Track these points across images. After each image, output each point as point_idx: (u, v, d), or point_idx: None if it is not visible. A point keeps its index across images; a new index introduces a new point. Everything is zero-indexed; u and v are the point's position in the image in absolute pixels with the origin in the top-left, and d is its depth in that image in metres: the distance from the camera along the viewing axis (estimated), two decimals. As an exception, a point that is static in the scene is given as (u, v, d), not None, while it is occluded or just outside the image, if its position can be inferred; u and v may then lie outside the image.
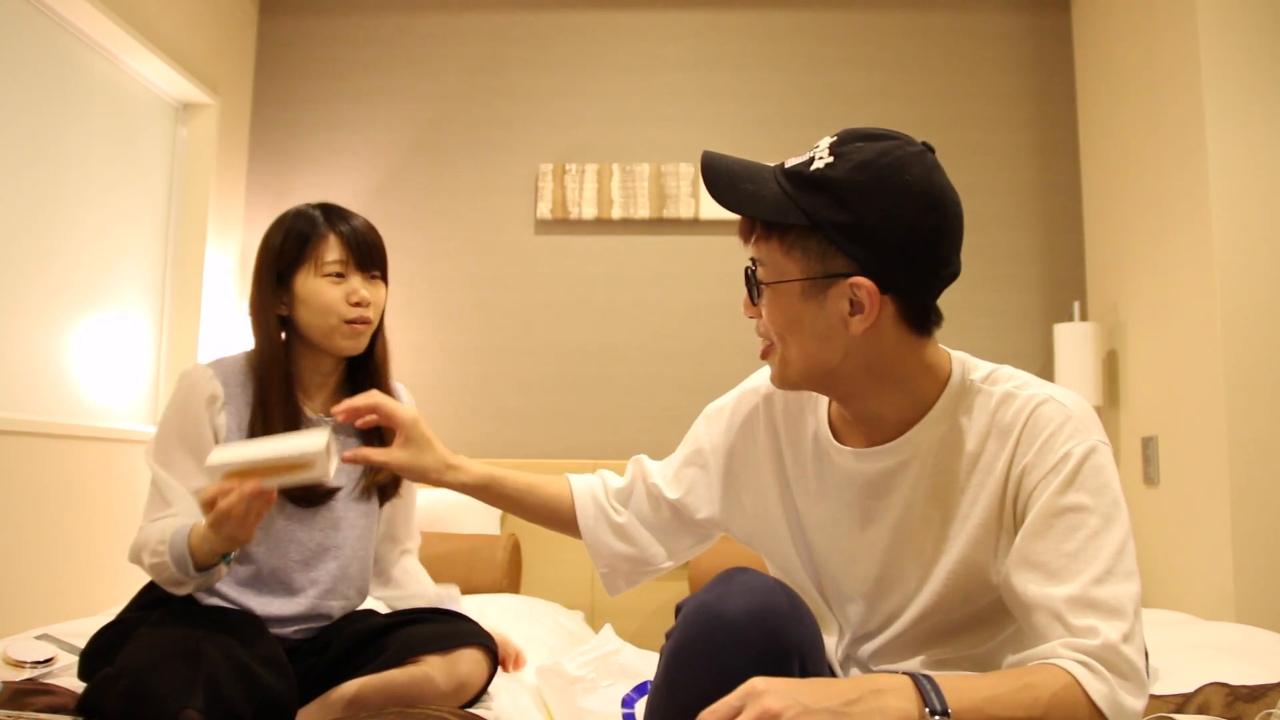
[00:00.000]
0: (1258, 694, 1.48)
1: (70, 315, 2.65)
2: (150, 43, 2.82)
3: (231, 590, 1.49)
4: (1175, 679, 1.68)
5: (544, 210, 3.34)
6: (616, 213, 3.32)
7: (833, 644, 1.14)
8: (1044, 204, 3.33)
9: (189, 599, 1.47)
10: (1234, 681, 1.54)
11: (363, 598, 1.65)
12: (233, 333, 3.24)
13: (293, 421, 1.51)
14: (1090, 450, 0.97)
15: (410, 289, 3.35)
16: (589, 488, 1.29)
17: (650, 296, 3.31)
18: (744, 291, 1.06)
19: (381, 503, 1.64)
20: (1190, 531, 2.60)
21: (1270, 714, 1.39)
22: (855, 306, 0.99)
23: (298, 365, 1.57)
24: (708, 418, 1.28)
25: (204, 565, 1.35)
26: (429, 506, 2.99)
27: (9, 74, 2.42)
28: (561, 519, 1.28)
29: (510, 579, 2.90)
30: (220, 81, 3.24)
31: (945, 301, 1.04)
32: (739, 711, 0.81)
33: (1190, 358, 2.61)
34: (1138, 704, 0.88)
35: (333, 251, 1.52)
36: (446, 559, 2.81)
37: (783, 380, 1.07)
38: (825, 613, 1.15)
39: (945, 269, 1.01)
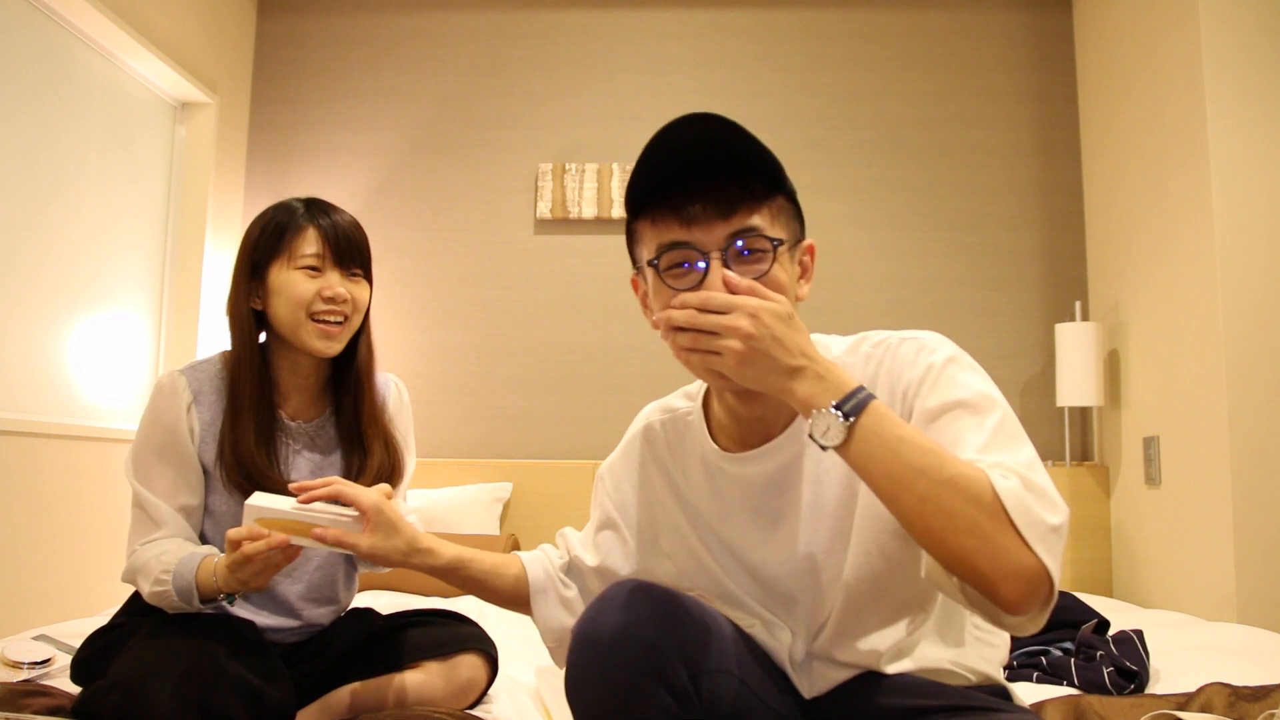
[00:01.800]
0: (1260, 694, 1.47)
1: (68, 315, 2.64)
2: (149, 42, 2.81)
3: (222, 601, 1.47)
4: (1177, 679, 1.67)
5: (544, 210, 3.34)
6: (616, 212, 3.32)
7: (785, 648, 1.12)
8: (1045, 203, 3.32)
9: None
10: (1236, 682, 1.53)
11: (350, 599, 1.62)
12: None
13: (267, 426, 1.45)
14: (949, 359, 0.98)
15: (410, 289, 3.35)
16: (540, 564, 1.28)
17: (650, 296, 3.30)
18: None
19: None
20: (1192, 532, 2.60)
21: (1272, 714, 1.38)
22: (803, 271, 1.05)
23: (275, 366, 1.50)
24: (601, 477, 1.28)
25: (208, 599, 1.33)
26: (428, 506, 2.98)
27: (8, 74, 2.42)
28: (522, 600, 1.27)
29: (510, 579, 2.89)
30: (219, 81, 3.24)
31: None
32: (725, 312, 0.88)
33: (1192, 358, 2.60)
34: (1052, 518, 0.84)
35: (310, 245, 1.44)
36: (446, 559, 2.80)
37: None
38: (771, 620, 1.12)
39: None
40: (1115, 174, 3.09)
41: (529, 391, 3.30)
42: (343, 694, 1.45)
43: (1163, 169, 2.77)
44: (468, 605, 2.38)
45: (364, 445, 1.50)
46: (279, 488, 1.46)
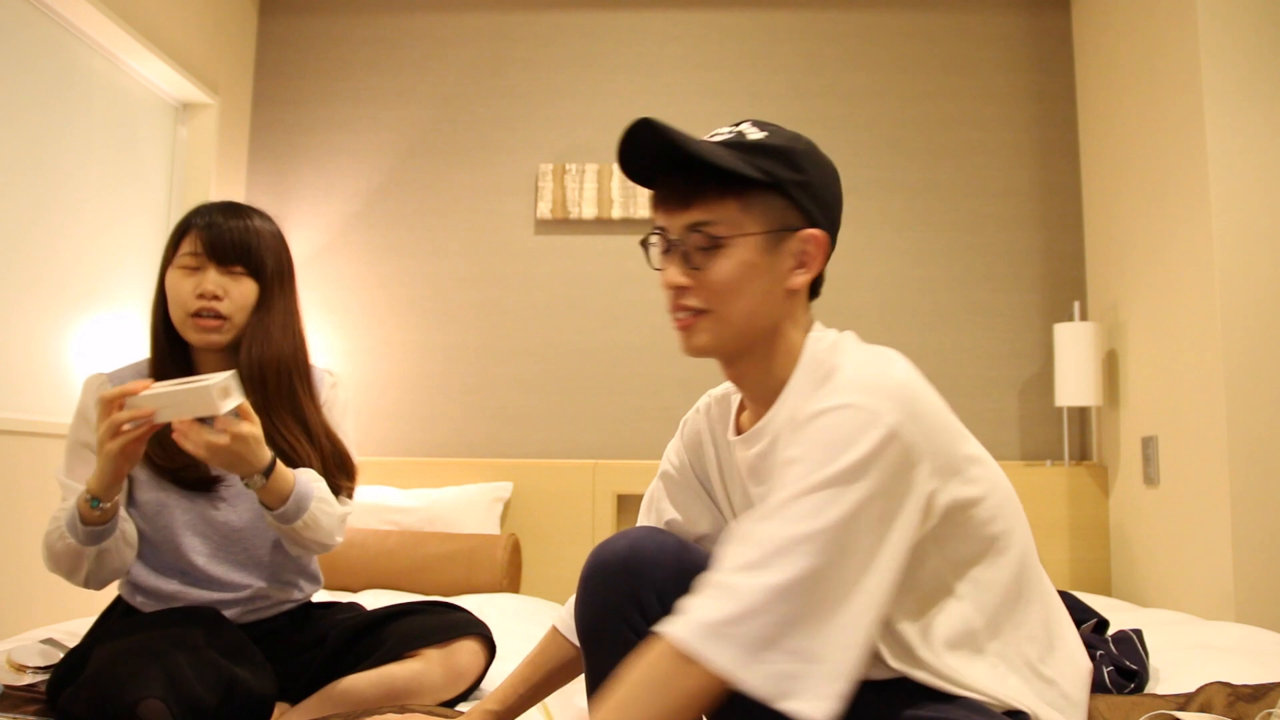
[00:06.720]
0: (1259, 693, 1.48)
1: (70, 315, 2.65)
2: (150, 42, 2.82)
3: (152, 579, 1.49)
4: (1176, 679, 1.68)
5: (544, 210, 3.34)
6: (616, 212, 3.32)
7: None
8: (1044, 204, 3.33)
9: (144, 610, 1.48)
10: (1235, 681, 1.54)
11: (302, 577, 1.61)
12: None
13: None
14: (840, 406, 0.91)
15: (410, 289, 3.35)
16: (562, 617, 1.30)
17: (650, 296, 3.31)
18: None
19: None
20: (1190, 531, 2.60)
21: (1271, 713, 1.39)
22: (799, 261, 1.05)
23: (198, 366, 1.53)
24: (666, 454, 1.32)
25: (88, 520, 1.35)
26: (428, 506, 2.99)
27: (9, 74, 2.42)
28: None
29: (510, 579, 2.90)
30: (220, 81, 3.24)
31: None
32: None
33: (1190, 357, 2.61)
34: (717, 609, 0.84)
35: (188, 244, 1.49)
36: (446, 559, 2.81)
37: (715, 342, 1.05)
38: None
39: (836, 239, 1.10)
40: (1114, 174, 3.10)
41: (529, 391, 3.30)
42: (342, 685, 1.46)
43: (1161, 169, 2.78)
44: (466, 602, 2.39)
45: (283, 435, 1.49)
46: (203, 475, 1.49)
